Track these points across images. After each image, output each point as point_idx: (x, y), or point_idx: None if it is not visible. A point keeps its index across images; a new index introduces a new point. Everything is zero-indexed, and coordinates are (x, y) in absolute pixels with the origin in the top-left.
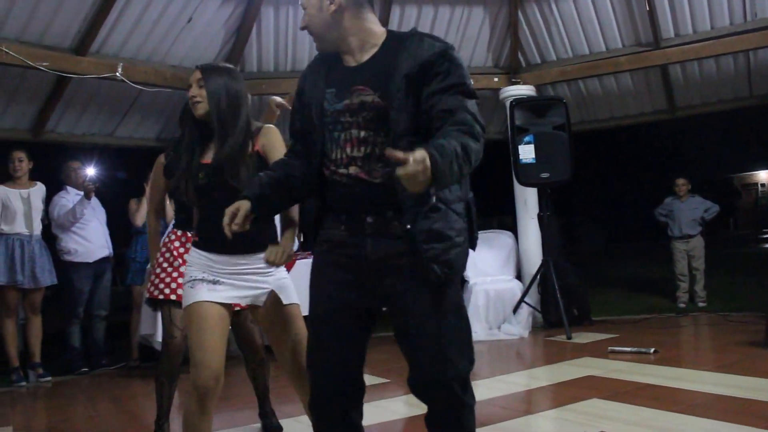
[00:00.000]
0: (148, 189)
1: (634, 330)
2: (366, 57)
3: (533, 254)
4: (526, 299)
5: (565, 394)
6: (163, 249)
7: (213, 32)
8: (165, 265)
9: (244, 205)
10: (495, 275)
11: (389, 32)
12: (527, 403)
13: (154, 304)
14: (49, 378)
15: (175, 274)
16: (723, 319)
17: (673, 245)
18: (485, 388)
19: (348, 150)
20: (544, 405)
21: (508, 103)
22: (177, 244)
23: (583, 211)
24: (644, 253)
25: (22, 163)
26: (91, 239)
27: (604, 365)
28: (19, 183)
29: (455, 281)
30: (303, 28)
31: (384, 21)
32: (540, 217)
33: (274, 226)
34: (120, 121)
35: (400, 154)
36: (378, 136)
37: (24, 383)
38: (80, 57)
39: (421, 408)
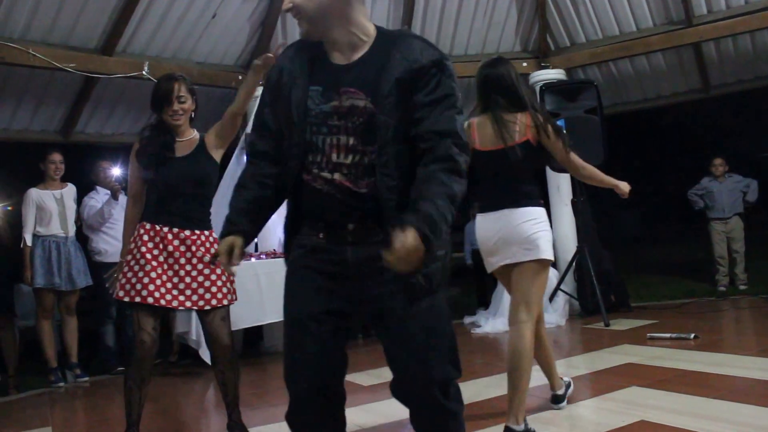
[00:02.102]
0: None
1: (674, 315)
2: (356, 56)
3: (568, 241)
4: (562, 287)
5: (604, 382)
6: (132, 245)
7: (237, 28)
8: (133, 263)
9: (238, 243)
10: None
11: (379, 30)
12: None
13: (123, 304)
14: (87, 378)
15: (142, 276)
16: (765, 302)
17: (712, 227)
18: None
19: (333, 156)
20: (582, 394)
21: (537, 88)
22: (146, 238)
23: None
24: (682, 236)
25: (62, 165)
26: (120, 239)
27: (643, 352)
28: (51, 184)
29: (439, 290)
30: (288, 10)
31: (410, 7)
32: (574, 203)
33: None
34: (148, 119)
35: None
36: (367, 144)
37: (62, 384)
38: (107, 57)
39: None
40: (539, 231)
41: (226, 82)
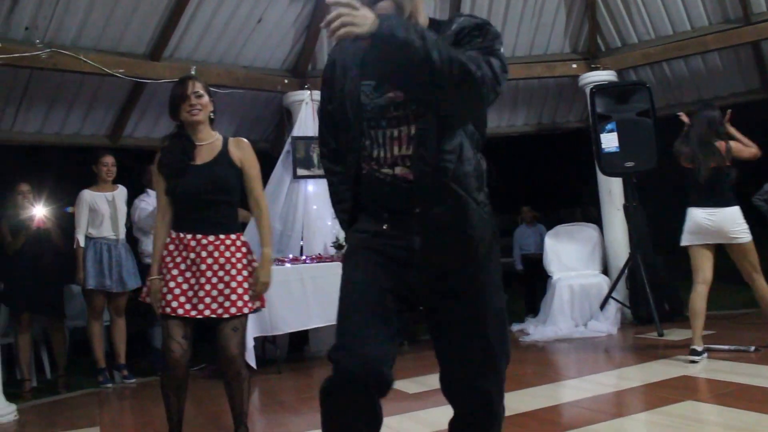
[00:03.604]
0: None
1: (733, 326)
2: None
3: (620, 247)
4: (613, 294)
5: (658, 395)
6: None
7: (283, 31)
8: (164, 272)
9: None
10: (580, 270)
11: (431, 21)
12: (617, 405)
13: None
14: (134, 380)
15: (172, 285)
16: None
17: None
18: (571, 389)
19: (396, 149)
20: (635, 407)
21: (588, 90)
22: (171, 247)
23: (672, 200)
24: None
25: (114, 168)
26: None
27: (699, 364)
28: (103, 187)
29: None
30: None
31: (455, 7)
32: (626, 208)
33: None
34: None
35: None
36: (429, 130)
37: (110, 384)
38: (154, 62)
39: (507, 409)
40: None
41: (272, 86)
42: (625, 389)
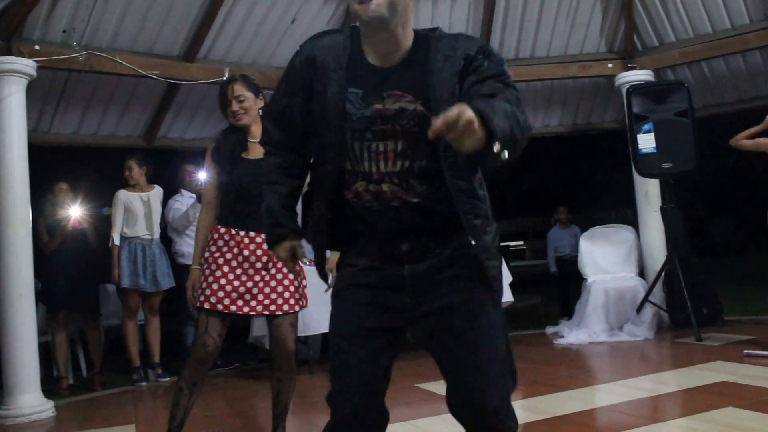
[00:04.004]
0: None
1: None
2: (397, 58)
3: (656, 249)
4: (650, 298)
5: (696, 401)
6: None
7: (316, 32)
8: (205, 267)
9: (297, 245)
10: (615, 272)
11: (415, 32)
12: (654, 410)
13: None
14: (167, 378)
15: (212, 281)
16: None
17: None
18: (607, 393)
19: (381, 164)
20: (672, 413)
21: (624, 90)
22: (221, 243)
23: (711, 202)
24: None
25: (133, 171)
26: None
27: (739, 370)
28: (138, 187)
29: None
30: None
31: (490, 8)
32: (663, 210)
33: None
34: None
35: (439, 120)
36: (418, 149)
37: (144, 383)
38: (188, 63)
39: (541, 413)
40: None
41: None
42: (662, 394)
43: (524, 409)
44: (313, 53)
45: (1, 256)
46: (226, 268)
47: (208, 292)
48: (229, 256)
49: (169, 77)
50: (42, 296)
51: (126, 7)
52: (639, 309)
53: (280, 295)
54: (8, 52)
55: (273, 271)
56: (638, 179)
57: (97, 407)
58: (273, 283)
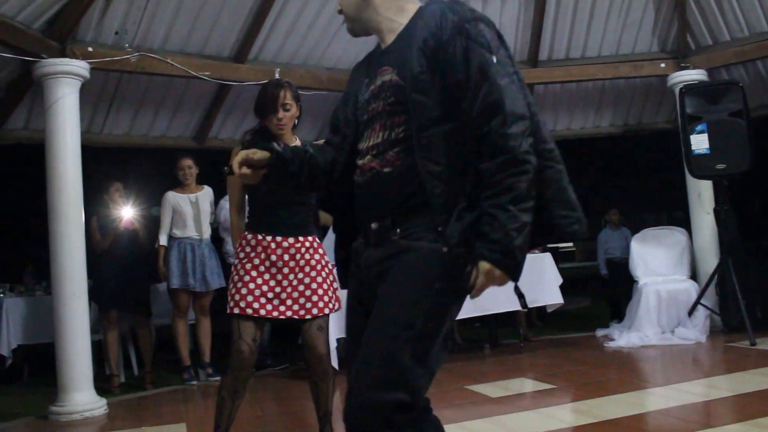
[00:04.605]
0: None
1: None
2: (393, 37)
3: (709, 252)
4: (702, 301)
5: (751, 406)
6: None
7: None
8: (233, 273)
9: (259, 152)
10: (667, 275)
11: (420, 8)
12: (706, 415)
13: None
14: (218, 378)
15: (241, 287)
16: None
17: None
18: (659, 397)
19: (371, 140)
20: (726, 418)
21: (677, 90)
22: (248, 249)
23: (766, 203)
24: None
25: (192, 170)
26: None
27: None
28: (187, 188)
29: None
30: (340, 12)
31: (540, 7)
32: (716, 212)
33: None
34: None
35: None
36: (395, 119)
37: (195, 382)
38: (239, 65)
39: (591, 416)
40: None
41: None
42: (715, 399)
43: (574, 412)
44: (358, 63)
45: (55, 257)
46: (254, 273)
47: (237, 297)
48: (257, 261)
49: (219, 78)
50: (93, 295)
51: (177, 8)
52: (691, 312)
53: (309, 299)
54: (62, 54)
55: (301, 275)
56: (691, 181)
57: (148, 405)
58: (301, 288)
